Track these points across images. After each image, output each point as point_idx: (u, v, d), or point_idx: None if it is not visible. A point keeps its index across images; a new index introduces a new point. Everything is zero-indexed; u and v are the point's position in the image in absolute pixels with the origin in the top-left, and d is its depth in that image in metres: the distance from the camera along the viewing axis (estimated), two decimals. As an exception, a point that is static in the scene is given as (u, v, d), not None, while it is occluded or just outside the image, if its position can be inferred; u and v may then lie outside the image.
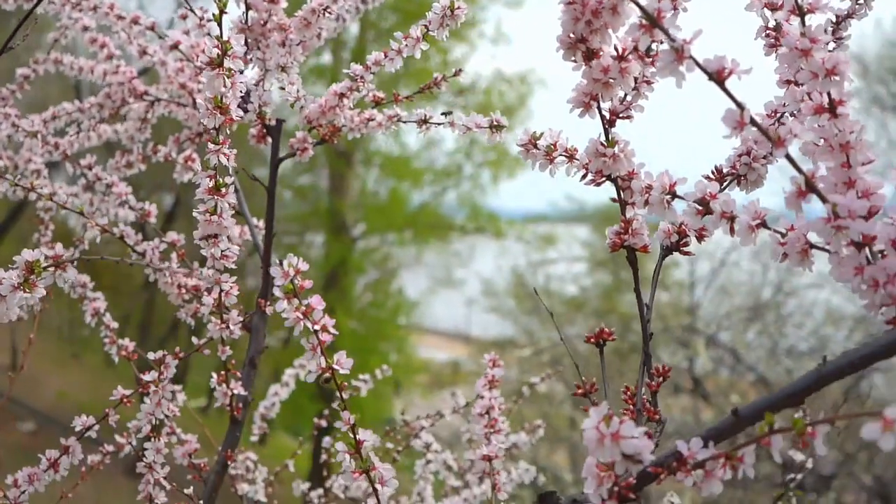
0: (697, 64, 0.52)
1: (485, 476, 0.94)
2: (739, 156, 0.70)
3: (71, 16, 1.24)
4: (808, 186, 0.53)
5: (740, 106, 0.52)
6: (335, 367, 0.65)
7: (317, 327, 0.64)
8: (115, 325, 1.12)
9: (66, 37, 1.33)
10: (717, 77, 0.52)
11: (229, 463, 1.02)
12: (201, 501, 0.99)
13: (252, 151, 1.04)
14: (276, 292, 0.64)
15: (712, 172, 0.71)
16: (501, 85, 9.97)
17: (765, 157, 0.70)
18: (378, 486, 0.67)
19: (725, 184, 0.71)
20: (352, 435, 0.67)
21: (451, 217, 11.64)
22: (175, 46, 1.04)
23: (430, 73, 0.97)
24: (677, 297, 7.88)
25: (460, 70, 1.02)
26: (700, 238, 0.70)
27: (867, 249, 0.53)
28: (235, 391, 1.00)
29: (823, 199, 0.53)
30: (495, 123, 0.86)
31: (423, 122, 0.97)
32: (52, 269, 0.72)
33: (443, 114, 0.93)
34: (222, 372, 0.99)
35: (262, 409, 1.51)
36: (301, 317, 0.64)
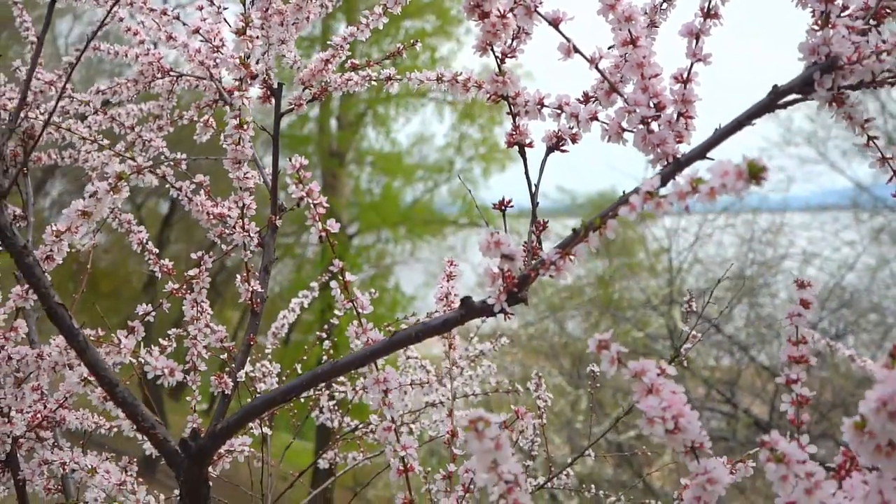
0: (540, 15, 0.85)
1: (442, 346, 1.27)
2: (598, 83, 1.03)
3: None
4: (612, 89, 0.86)
5: (568, 40, 0.85)
6: (328, 228, 0.98)
7: (316, 202, 0.97)
8: (156, 250, 1.43)
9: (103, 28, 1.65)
10: (554, 22, 0.85)
11: (251, 345, 1.34)
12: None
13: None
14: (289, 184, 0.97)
15: (582, 95, 1.04)
16: (490, 78, 10.32)
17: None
18: (359, 310, 0.99)
19: (591, 102, 1.03)
20: (341, 277, 1.00)
21: (444, 212, 11.96)
22: (196, 31, 1.37)
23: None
24: (666, 282, 8.24)
25: (416, 41, 1.35)
26: (573, 140, 1.02)
27: (651, 125, 0.86)
28: (255, 288, 1.32)
29: (621, 95, 0.86)
30: (440, 76, 1.18)
31: (389, 79, 1.30)
32: (134, 174, 1.04)
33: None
34: (244, 273, 1.31)
35: (274, 329, 1.83)
36: (305, 195, 0.97)
